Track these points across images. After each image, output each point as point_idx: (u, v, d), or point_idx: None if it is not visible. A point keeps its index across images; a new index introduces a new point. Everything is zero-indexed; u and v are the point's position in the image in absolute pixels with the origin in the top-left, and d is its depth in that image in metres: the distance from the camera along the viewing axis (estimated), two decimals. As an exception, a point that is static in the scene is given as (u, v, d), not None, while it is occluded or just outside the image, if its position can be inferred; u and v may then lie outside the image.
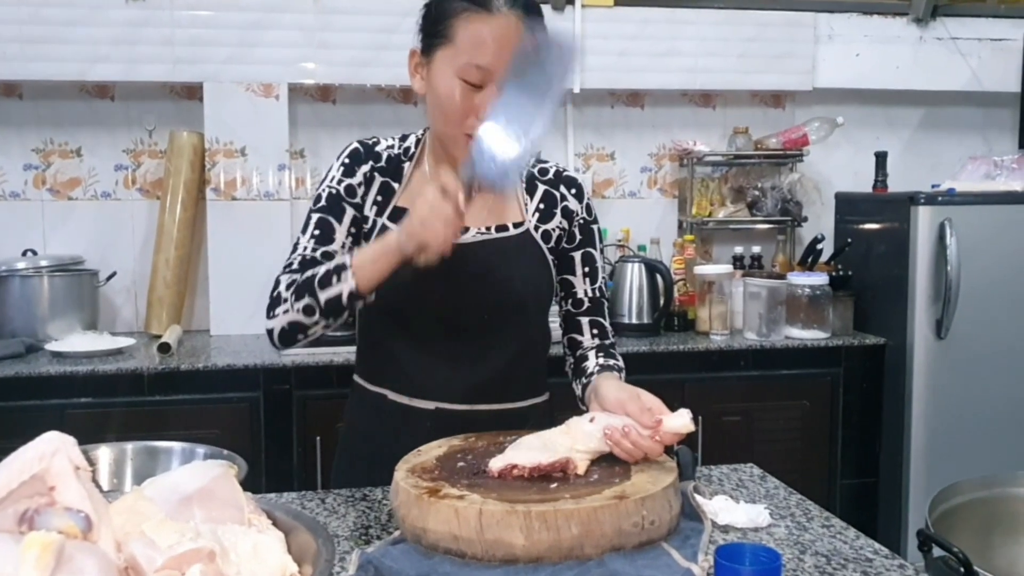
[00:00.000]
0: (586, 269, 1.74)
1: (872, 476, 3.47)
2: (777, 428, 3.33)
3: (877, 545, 1.36)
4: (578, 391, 1.70)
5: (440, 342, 1.61)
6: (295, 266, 1.57)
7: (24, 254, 3.36)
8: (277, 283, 1.56)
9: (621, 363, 1.71)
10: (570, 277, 1.74)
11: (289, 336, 1.53)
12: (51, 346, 3.03)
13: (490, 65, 1.47)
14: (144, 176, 3.57)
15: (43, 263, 3.27)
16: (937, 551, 1.43)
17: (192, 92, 3.52)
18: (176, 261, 3.42)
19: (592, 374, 1.65)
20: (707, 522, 1.40)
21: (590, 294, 1.75)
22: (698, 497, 1.46)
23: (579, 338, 1.75)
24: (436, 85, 1.53)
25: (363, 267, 1.44)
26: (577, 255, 1.74)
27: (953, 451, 3.30)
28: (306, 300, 1.48)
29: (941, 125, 4.15)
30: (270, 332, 1.55)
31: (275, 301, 1.54)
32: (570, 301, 1.75)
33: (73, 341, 3.08)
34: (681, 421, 1.41)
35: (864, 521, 3.33)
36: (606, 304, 1.78)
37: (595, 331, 1.74)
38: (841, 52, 3.87)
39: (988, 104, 4.11)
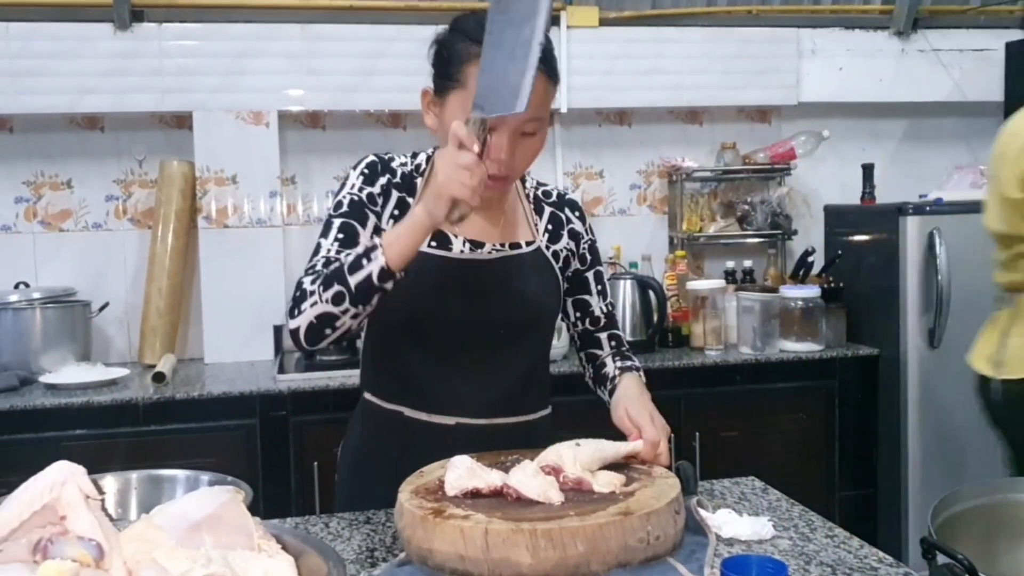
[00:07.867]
0: (599, 288, 1.80)
1: (871, 487, 3.48)
2: (775, 441, 3.34)
3: (881, 554, 1.37)
4: (605, 397, 1.74)
5: (458, 357, 1.62)
6: (319, 267, 1.50)
7: (16, 287, 3.35)
8: (300, 284, 1.49)
9: (638, 363, 1.78)
10: (586, 297, 1.78)
11: (317, 331, 1.45)
12: (45, 378, 3.02)
13: None
14: (135, 206, 3.57)
15: (35, 295, 3.27)
16: (941, 558, 1.43)
17: (182, 121, 3.53)
18: (169, 290, 3.41)
19: (614, 378, 1.72)
20: (711, 536, 1.40)
21: (604, 310, 1.81)
22: (701, 511, 1.47)
23: (598, 352, 1.80)
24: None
25: (393, 243, 1.38)
26: (590, 275, 1.79)
27: (950, 459, 3.31)
28: (335, 288, 1.41)
29: (926, 136, 4.19)
30: (295, 331, 1.46)
31: (299, 299, 1.46)
32: (587, 320, 1.80)
33: (67, 373, 3.08)
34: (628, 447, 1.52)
35: (864, 532, 3.32)
36: (616, 316, 1.84)
37: (613, 343, 1.81)
38: (824, 66, 3.92)
39: (972, 114, 4.15)
